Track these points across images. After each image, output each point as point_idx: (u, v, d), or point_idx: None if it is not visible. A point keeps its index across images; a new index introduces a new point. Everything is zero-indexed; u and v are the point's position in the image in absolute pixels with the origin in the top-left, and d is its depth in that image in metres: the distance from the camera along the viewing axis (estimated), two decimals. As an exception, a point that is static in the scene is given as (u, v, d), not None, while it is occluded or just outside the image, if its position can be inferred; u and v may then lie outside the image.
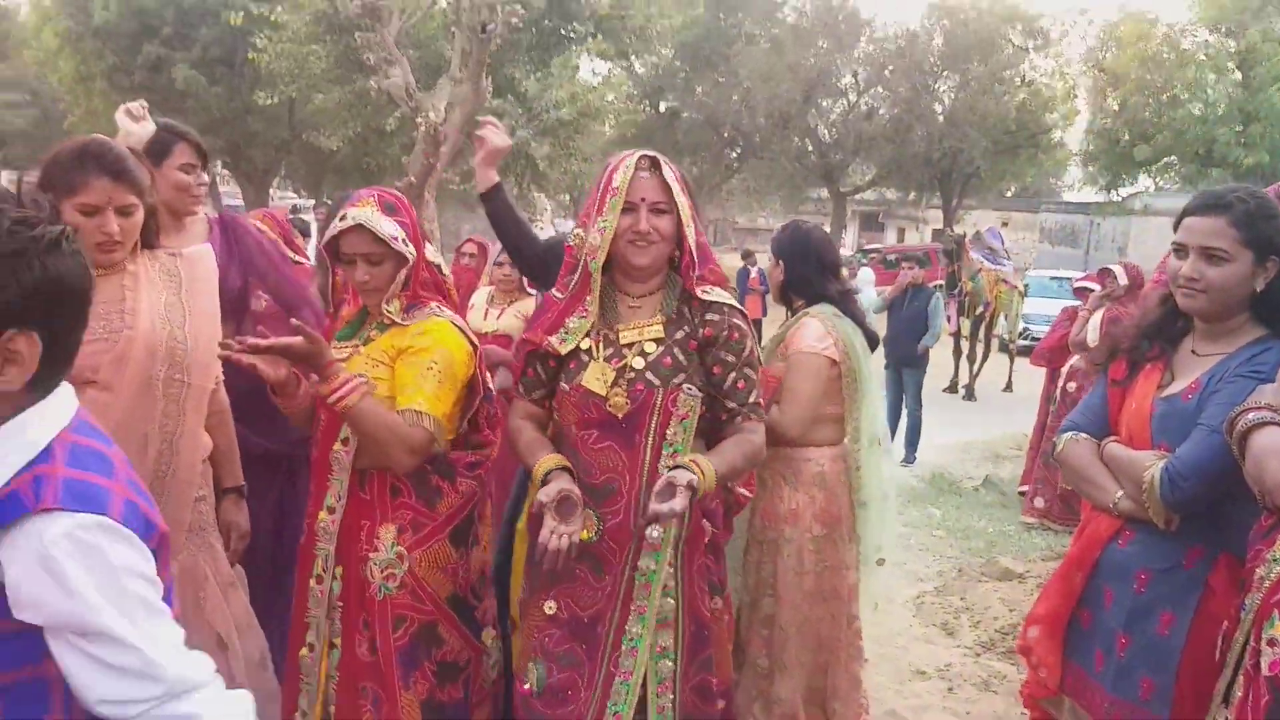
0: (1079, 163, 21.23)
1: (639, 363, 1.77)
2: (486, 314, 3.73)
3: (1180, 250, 1.69)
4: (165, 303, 1.87)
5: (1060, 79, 21.65)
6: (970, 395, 9.60)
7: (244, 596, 2.07)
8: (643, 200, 1.76)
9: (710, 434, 1.87)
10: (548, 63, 15.44)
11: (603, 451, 1.77)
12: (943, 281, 9.26)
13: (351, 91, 14.71)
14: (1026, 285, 11.59)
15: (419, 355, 1.83)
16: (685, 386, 1.76)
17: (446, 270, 2.02)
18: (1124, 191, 19.19)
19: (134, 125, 2.11)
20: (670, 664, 1.78)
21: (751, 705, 2.36)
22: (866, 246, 26.66)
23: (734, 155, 24.83)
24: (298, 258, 3.42)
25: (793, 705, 2.34)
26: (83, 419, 1.04)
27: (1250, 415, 1.43)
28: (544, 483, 1.71)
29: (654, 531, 1.69)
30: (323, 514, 1.89)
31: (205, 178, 2.30)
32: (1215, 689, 1.46)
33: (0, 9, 21.05)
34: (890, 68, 21.54)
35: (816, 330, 2.35)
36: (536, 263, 2.52)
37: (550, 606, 1.79)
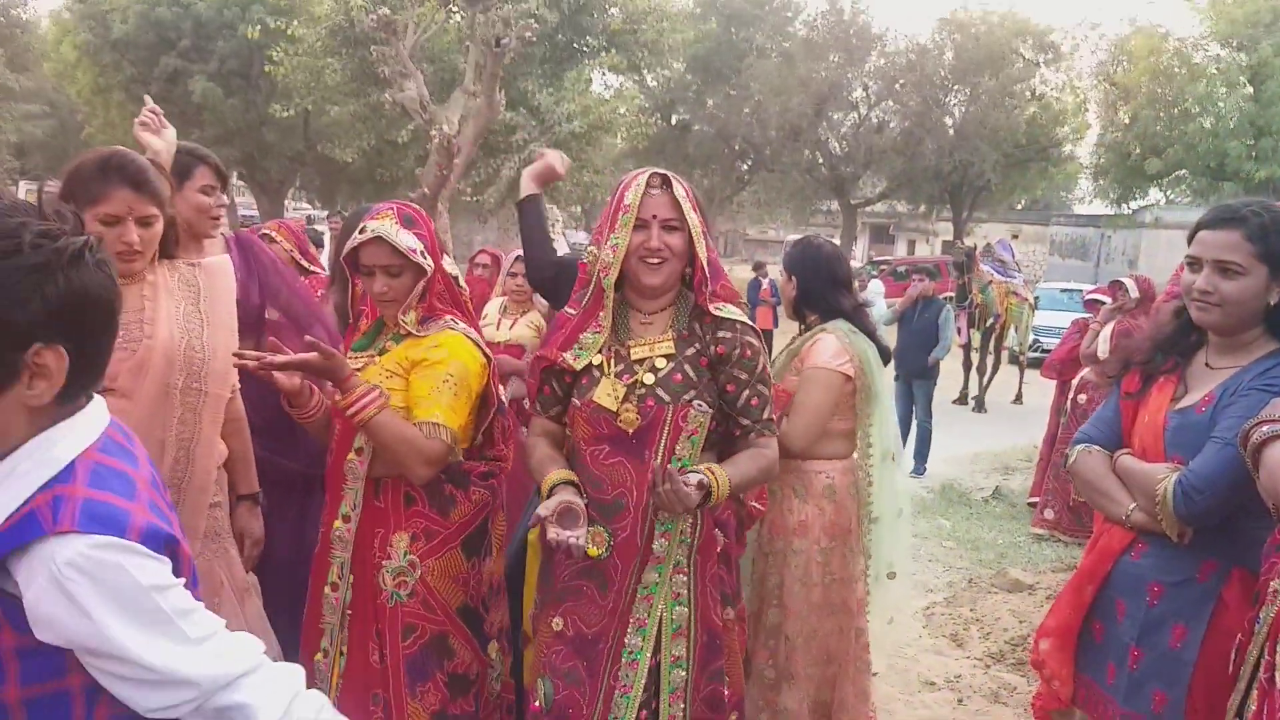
0: (1089, 176, 21.20)
1: (649, 379, 1.79)
2: (499, 324, 3.75)
3: (1194, 264, 1.69)
4: (184, 312, 1.90)
5: (1071, 93, 21.65)
6: (980, 407, 9.56)
7: (258, 602, 2.09)
8: (654, 217, 1.78)
9: (723, 449, 1.88)
10: (561, 76, 15.57)
11: (613, 467, 1.79)
12: (953, 294, 9.23)
13: (366, 104, 14.86)
14: (1037, 298, 11.53)
15: (435, 368, 1.85)
16: (695, 403, 1.78)
17: (463, 282, 2.05)
18: (1134, 205, 19.13)
19: (156, 140, 2.11)
20: (683, 673, 1.79)
21: (758, 716, 2.35)
22: (876, 258, 26.62)
23: (745, 168, 24.91)
24: (312, 267, 3.46)
25: (799, 717, 2.33)
26: (111, 436, 1.03)
27: (1264, 428, 1.43)
28: (549, 496, 1.72)
29: (659, 544, 1.70)
30: (338, 522, 1.91)
31: (225, 199, 2.33)
32: (1229, 703, 1.45)
33: (20, 22, 21.37)
34: (901, 81, 21.59)
35: (832, 347, 2.35)
36: (547, 277, 2.56)
37: (558, 623, 1.81)
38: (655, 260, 1.78)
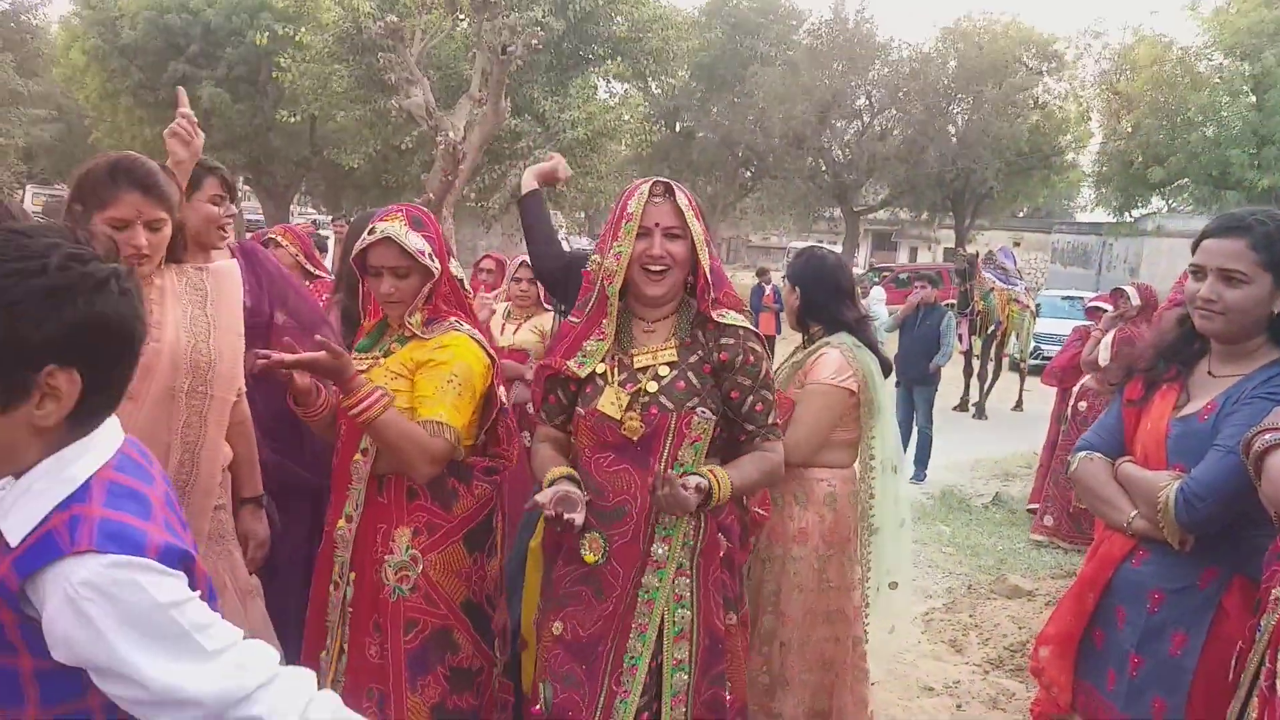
0: (1092, 184, 21.21)
1: (653, 387, 1.80)
2: (503, 329, 3.77)
3: (1198, 272, 1.69)
4: (190, 316, 1.91)
5: (1074, 101, 21.67)
6: (981, 414, 9.55)
7: (262, 605, 2.09)
8: (656, 225, 1.79)
9: (729, 454, 1.89)
10: (566, 84, 15.63)
11: (617, 474, 1.80)
12: (955, 301, 9.24)
13: (372, 110, 14.93)
14: (1038, 305, 11.53)
15: (439, 368, 1.87)
16: (699, 410, 1.79)
17: (469, 285, 2.06)
18: (1136, 213, 19.14)
19: (181, 150, 2.09)
20: (685, 677, 1.79)
21: (754, 720, 2.35)
22: (878, 265, 26.63)
23: (748, 175, 24.97)
24: (317, 271, 3.48)
25: (794, 722, 2.33)
26: (127, 454, 1.03)
27: (1267, 436, 1.43)
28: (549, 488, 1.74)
29: (659, 549, 1.70)
30: (341, 522, 1.92)
31: (233, 209, 2.35)
32: (1228, 710, 1.46)
33: (30, 27, 21.51)
34: (904, 90, 21.64)
35: (836, 362, 2.35)
36: (556, 273, 2.58)
37: (558, 627, 1.82)
38: (657, 268, 1.80)
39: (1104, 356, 4.77)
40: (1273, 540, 1.47)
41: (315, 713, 1.00)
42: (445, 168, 9.82)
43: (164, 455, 1.82)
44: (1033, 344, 10.35)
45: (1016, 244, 22.82)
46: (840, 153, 23.60)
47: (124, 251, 1.80)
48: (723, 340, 1.83)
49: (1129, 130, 17.04)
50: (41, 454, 0.96)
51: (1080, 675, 1.81)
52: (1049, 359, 7.09)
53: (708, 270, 1.83)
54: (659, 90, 21.82)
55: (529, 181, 2.61)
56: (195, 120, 2.13)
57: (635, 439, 1.78)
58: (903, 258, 34.82)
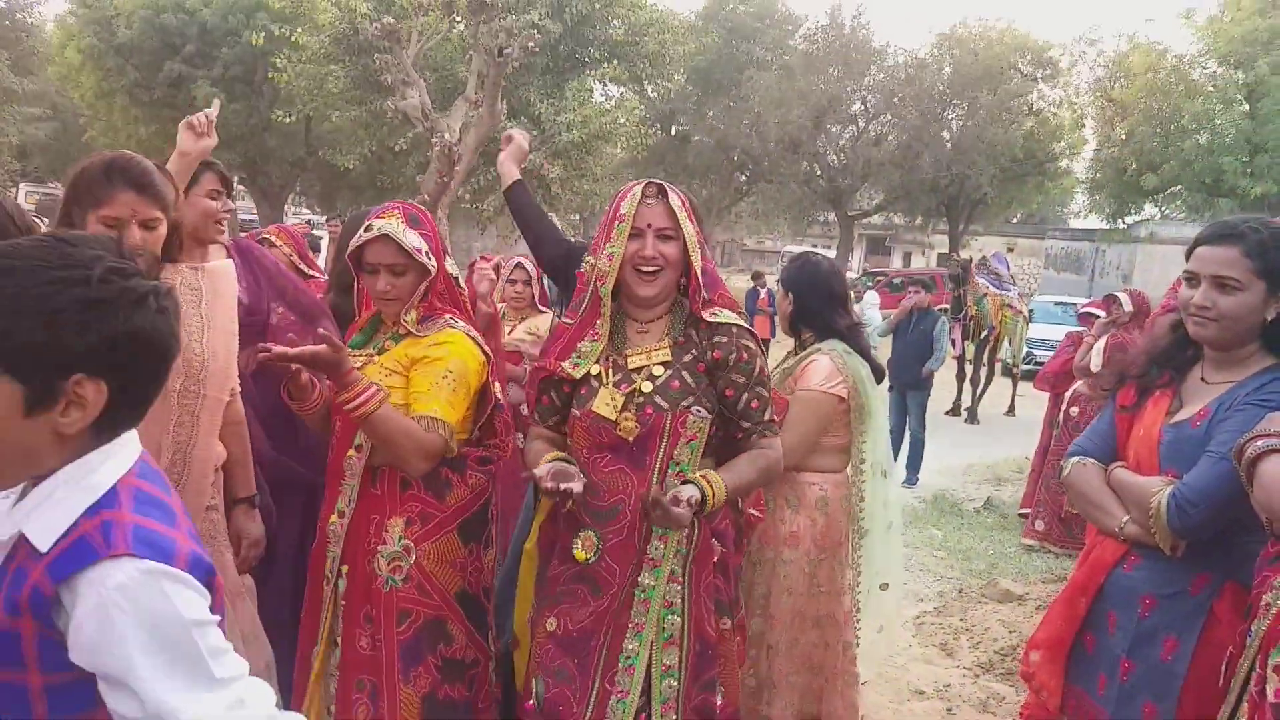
0: (1085, 191, 21.31)
1: (647, 386, 1.80)
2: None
3: (1192, 279, 1.70)
4: (184, 315, 1.90)
5: (1068, 108, 21.78)
6: (973, 418, 9.59)
7: (252, 606, 2.09)
8: (649, 226, 1.80)
9: (726, 452, 1.89)
10: (562, 87, 15.65)
11: (613, 474, 1.80)
12: (948, 306, 9.28)
13: (368, 111, 14.92)
14: (1031, 311, 11.58)
15: (434, 364, 1.87)
16: (694, 409, 1.79)
17: (464, 284, 2.06)
18: (1130, 219, 19.25)
19: (193, 143, 2.09)
20: (674, 683, 1.79)
21: (740, 724, 2.35)
22: (872, 269, 26.70)
23: (743, 179, 25.01)
24: (311, 272, 3.48)
25: (784, 725, 2.33)
26: (144, 462, 1.03)
27: (1259, 442, 1.44)
28: None
29: (655, 547, 1.70)
30: (333, 518, 1.92)
31: (230, 204, 2.34)
32: (1218, 716, 1.46)
33: (25, 26, 21.42)
34: (900, 95, 21.72)
35: (825, 369, 2.36)
36: (558, 260, 2.58)
37: (551, 623, 1.81)
38: (650, 269, 1.80)
39: (1096, 362, 4.78)
40: (1264, 546, 1.48)
41: None
42: (440, 169, 9.82)
43: (155, 454, 1.80)
44: (1025, 349, 10.38)
45: (1010, 249, 22.93)
46: (835, 157, 23.67)
47: None
48: (716, 338, 1.83)
49: (1123, 137, 17.15)
50: (62, 460, 0.96)
51: (1071, 680, 1.81)
52: (1041, 364, 7.11)
53: (700, 271, 1.83)
54: (655, 94, 21.85)
55: (509, 171, 2.61)
56: (214, 121, 2.13)
57: (631, 439, 1.78)
58: (897, 263, 34.92)
